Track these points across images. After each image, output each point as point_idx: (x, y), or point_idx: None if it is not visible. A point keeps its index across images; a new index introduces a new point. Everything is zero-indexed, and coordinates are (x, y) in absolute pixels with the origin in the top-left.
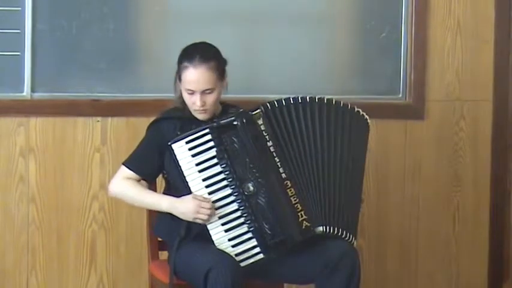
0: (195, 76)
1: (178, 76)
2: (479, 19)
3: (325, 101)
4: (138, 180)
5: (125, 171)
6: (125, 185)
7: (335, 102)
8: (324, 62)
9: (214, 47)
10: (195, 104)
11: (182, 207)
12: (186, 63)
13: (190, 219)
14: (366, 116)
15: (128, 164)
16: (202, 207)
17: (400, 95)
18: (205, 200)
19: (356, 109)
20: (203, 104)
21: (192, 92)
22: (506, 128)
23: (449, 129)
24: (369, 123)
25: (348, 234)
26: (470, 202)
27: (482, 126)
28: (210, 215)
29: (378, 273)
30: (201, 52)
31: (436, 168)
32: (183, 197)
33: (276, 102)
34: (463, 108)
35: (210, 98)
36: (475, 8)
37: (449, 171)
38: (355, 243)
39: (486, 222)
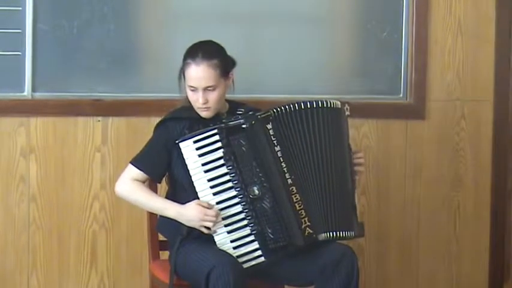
0: (197, 73)
1: (183, 73)
2: (480, 19)
3: (324, 104)
4: (145, 181)
5: (132, 171)
6: (131, 187)
7: (324, 104)
8: (324, 62)
9: (219, 45)
10: (197, 101)
11: (188, 215)
12: (189, 60)
13: (197, 227)
14: (339, 104)
15: (135, 163)
16: (207, 215)
17: (401, 95)
18: (210, 206)
19: (332, 105)
20: (205, 101)
21: (194, 89)
22: (506, 128)
23: (450, 129)
24: (344, 109)
25: (350, 233)
26: (471, 202)
27: (483, 126)
28: (216, 222)
29: (378, 274)
30: (204, 49)
31: (436, 168)
32: (187, 203)
33: (286, 107)
34: (463, 108)
35: (213, 96)
36: (475, 7)
37: (450, 171)
38: (356, 232)
39: (487, 222)
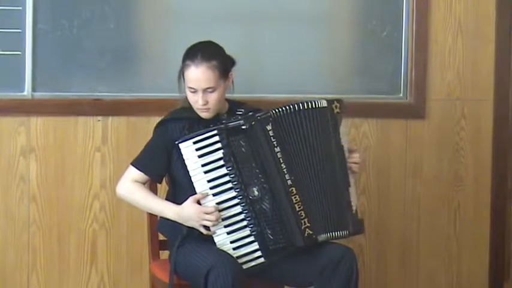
0: (196, 74)
1: (182, 74)
2: (480, 18)
3: (309, 105)
4: (145, 182)
5: (132, 172)
6: (130, 188)
7: (307, 105)
8: (324, 62)
9: (219, 45)
10: (197, 102)
11: (186, 215)
12: (188, 62)
13: (196, 227)
14: (324, 103)
15: (136, 164)
16: (205, 212)
17: (401, 95)
18: (204, 195)
19: (316, 104)
20: (205, 102)
21: (194, 91)
22: (507, 128)
23: (450, 129)
24: (332, 107)
25: (345, 232)
26: (471, 202)
27: (483, 126)
28: (216, 220)
29: (378, 274)
30: (203, 51)
31: (436, 167)
32: (184, 203)
33: (285, 109)
34: (463, 107)
35: (212, 97)
36: (475, 7)
37: (450, 170)
38: (351, 229)
39: (487, 222)
